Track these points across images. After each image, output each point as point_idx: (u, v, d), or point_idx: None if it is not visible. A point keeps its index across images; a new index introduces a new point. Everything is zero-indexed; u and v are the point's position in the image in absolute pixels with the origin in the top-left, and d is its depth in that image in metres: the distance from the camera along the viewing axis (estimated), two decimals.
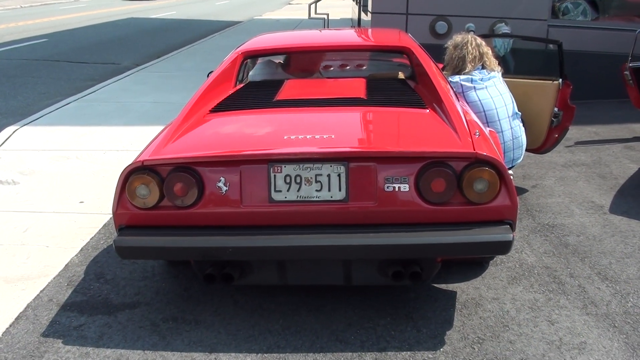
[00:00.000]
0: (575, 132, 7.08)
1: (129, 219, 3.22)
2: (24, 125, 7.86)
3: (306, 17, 14.30)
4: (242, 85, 4.52)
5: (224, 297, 3.71)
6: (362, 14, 11.44)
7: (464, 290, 3.72)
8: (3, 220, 4.93)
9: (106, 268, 4.13)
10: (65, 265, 4.19)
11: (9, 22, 23.63)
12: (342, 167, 3.05)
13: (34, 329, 3.45)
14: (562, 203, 5.09)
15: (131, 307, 3.66)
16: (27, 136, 7.40)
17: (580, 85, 7.11)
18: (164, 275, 4.01)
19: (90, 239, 4.59)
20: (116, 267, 4.12)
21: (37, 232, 4.73)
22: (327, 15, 13.32)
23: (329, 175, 3.07)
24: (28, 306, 3.68)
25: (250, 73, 4.97)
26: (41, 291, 3.85)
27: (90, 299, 3.76)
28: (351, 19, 16.03)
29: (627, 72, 6.68)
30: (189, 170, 3.12)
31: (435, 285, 3.76)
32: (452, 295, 3.67)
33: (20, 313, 3.61)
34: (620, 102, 8.58)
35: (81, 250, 4.42)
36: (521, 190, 5.37)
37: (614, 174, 5.78)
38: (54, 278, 4.01)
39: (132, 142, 6.98)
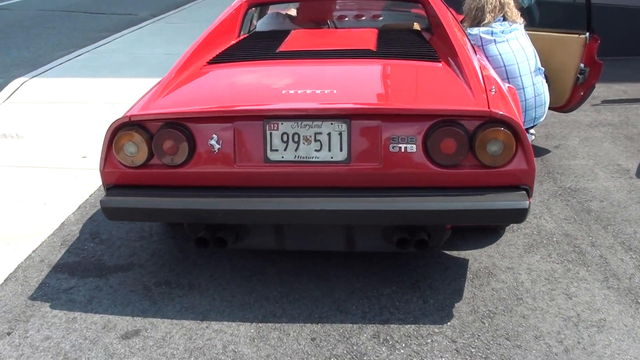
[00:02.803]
0: (602, 90, 6.72)
1: (117, 178, 3.01)
2: (34, 77, 7.69)
3: None
4: (245, 35, 4.25)
5: (221, 261, 3.51)
6: None
7: (476, 258, 3.48)
8: (1, 176, 4.76)
9: (102, 227, 3.95)
10: (61, 223, 4.03)
11: None
12: (344, 125, 2.81)
13: (22, 291, 3.29)
14: (585, 165, 4.80)
15: (124, 269, 3.49)
16: (35, 88, 7.23)
17: (609, 40, 6.72)
18: (162, 236, 3.82)
19: (90, 197, 4.41)
20: (112, 226, 3.94)
21: (36, 188, 4.55)
22: None
23: (329, 134, 2.82)
24: (19, 267, 3.52)
25: (257, 23, 4.70)
26: (33, 251, 3.68)
27: (83, 260, 3.59)
28: None
29: None
30: (179, 127, 2.89)
31: (446, 252, 3.53)
32: (464, 263, 3.44)
33: (10, 274, 3.45)
34: None
35: (79, 208, 4.24)
36: (543, 151, 5.08)
37: None
38: (48, 237, 3.84)
39: (141, 95, 6.76)
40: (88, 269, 3.49)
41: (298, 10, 4.96)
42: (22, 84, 7.34)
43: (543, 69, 4.49)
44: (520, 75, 4.31)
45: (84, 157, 5.15)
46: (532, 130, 4.79)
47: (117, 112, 6.14)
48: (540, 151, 5.06)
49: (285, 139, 2.84)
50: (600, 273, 3.35)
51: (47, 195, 4.43)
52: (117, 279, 3.39)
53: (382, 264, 3.44)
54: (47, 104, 6.58)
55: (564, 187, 4.42)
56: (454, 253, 3.53)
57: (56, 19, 12.67)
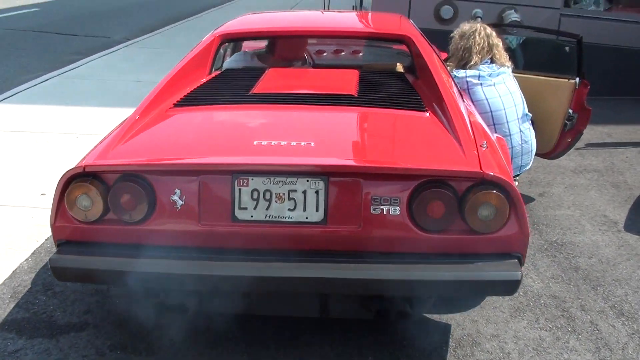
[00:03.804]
0: (585, 133, 6.37)
1: (69, 233, 2.72)
2: None
3: None
4: (216, 73, 3.98)
5: (183, 322, 3.20)
6: None
7: (459, 323, 3.23)
8: None
9: None
10: (13, 271, 3.71)
11: None
12: (321, 183, 2.55)
13: None
14: (572, 216, 4.59)
15: (77, 329, 3.18)
16: None
17: (591, 80, 6.60)
18: (120, 290, 3.51)
19: (45, 240, 4.09)
20: None
21: None
22: None
23: (304, 192, 2.56)
24: None
25: (227, 60, 4.42)
26: None
27: (33, 316, 3.28)
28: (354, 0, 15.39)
29: None
30: (139, 180, 2.61)
31: (427, 315, 3.27)
32: (446, 329, 3.18)
33: None
34: (635, 100, 8.08)
35: (33, 253, 3.92)
36: (527, 199, 4.86)
37: (628, 184, 5.27)
38: None
39: (109, 126, 6.44)
40: (38, 328, 3.18)
41: (273, 45, 4.67)
42: None
43: (530, 114, 4.28)
44: (507, 122, 4.10)
45: (42, 194, 4.83)
46: (516, 179, 4.56)
47: (82, 143, 5.87)
48: (524, 199, 4.82)
49: (255, 196, 2.58)
50: (592, 342, 3.11)
51: (0, 238, 4.10)
52: (69, 340, 3.08)
53: (358, 327, 3.16)
54: (7, 132, 6.25)
55: (550, 240, 4.19)
56: (436, 317, 3.27)
57: (27, 39, 12.33)
